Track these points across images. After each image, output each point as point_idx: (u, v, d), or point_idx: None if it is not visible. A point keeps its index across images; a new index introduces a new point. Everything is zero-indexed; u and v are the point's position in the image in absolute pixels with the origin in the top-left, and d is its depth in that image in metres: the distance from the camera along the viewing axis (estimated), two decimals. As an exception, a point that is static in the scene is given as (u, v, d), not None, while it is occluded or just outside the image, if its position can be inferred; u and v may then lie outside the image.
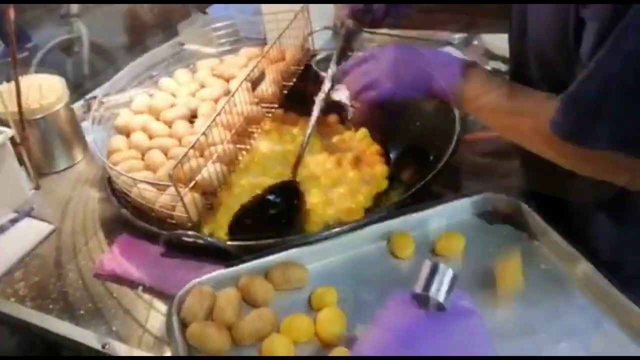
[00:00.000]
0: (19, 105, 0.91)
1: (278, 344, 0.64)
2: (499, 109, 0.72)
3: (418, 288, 0.48)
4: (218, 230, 0.84)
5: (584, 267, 0.71)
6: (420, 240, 0.79)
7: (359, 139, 1.05)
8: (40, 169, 1.01)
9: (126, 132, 1.02)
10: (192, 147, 0.82)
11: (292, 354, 0.64)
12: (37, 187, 0.99)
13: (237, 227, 0.81)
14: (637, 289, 0.74)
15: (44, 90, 1.00)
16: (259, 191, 0.88)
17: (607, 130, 0.58)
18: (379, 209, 0.85)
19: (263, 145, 1.02)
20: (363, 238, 0.78)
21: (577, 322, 0.67)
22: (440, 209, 0.82)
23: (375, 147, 1.02)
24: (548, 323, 0.67)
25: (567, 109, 0.61)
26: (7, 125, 0.93)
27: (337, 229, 0.79)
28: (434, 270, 0.47)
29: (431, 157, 0.95)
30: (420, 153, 0.98)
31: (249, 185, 0.92)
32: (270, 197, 0.86)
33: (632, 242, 0.75)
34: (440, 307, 0.47)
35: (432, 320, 0.47)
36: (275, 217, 0.84)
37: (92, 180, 1.02)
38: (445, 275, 0.48)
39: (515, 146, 0.77)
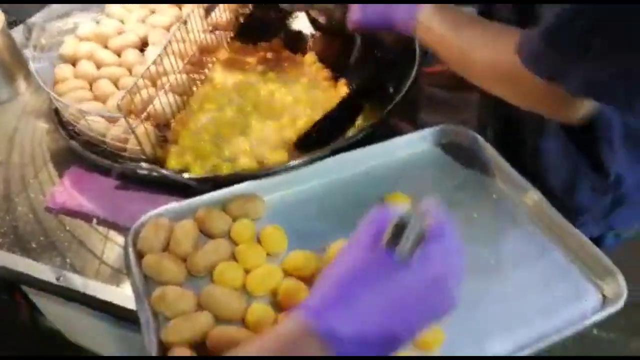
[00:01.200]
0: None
1: (229, 270, 0.65)
2: (451, 40, 0.70)
3: (384, 241, 0.45)
4: (173, 162, 0.82)
5: (533, 196, 0.73)
6: (380, 174, 0.80)
7: (309, 64, 1.02)
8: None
9: (72, 61, 0.97)
10: (142, 76, 0.78)
11: (241, 282, 0.65)
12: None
13: (304, 141, 0.82)
14: (581, 217, 0.78)
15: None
16: (211, 124, 0.86)
17: (583, 71, 0.55)
18: (337, 141, 0.84)
19: (218, 75, 0.99)
20: (320, 171, 0.78)
21: (525, 250, 0.70)
22: (398, 141, 0.82)
23: (326, 73, 1.00)
24: (497, 251, 0.70)
25: (550, 43, 0.56)
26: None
27: (293, 162, 0.79)
28: (401, 226, 0.44)
29: (390, 90, 0.94)
30: (379, 86, 0.97)
31: (204, 117, 0.90)
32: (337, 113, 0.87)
33: (578, 170, 0.77)
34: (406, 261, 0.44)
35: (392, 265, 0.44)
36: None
37: (38, 111, 0.97)
38: (413, 231, 0.44)
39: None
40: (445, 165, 0.82)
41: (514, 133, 0.81)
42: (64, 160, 0.85)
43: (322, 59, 1.01)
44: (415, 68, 0.91)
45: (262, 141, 0.85)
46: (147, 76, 0.81)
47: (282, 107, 0.92)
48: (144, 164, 0.76)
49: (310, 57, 1.02)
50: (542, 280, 0.67)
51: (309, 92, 0.96)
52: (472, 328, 0.62)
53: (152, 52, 0.97)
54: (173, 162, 0.81)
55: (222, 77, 0.98)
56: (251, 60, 1.04)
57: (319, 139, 0.82)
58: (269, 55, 1.05)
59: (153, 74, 0.83)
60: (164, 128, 0.85)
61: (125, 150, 0.80)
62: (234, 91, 0.95)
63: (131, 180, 0.79)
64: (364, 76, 0.97)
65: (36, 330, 1.44)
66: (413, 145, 0.83)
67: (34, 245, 0.73)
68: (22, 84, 1.01)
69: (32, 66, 0.87)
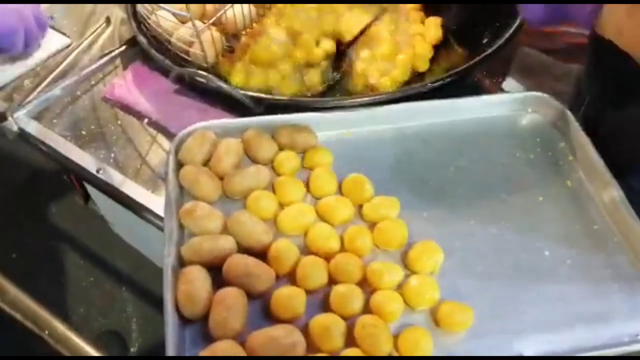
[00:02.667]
0: None
1: (263, 199, 0.62)
2: None
3: None
4: (235, 77, 0.78)
5: (613, 193, 0.64)
6: (447, 132, 0.73)
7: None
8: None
9: None
10: None
11: (273, 214, 0.62)
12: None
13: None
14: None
15: None
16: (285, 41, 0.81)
17: None
18: (408, 87, 0.77)
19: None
20: (381, 116, 0.72)
21: (587, 248, 0.62)
22: (477, 100, 0.75)
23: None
24: (556, 243, 0.63)
25: None
26: None
27: (351, 100, 0.73)
28: None
29: (484, 40, 0.84)
30: (473, 31, 0.87)
31: (277, 33, 0.85)
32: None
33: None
34: None
35: None
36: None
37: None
38: None
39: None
40: (521, 136, 0.74)
41: (612, 123, 0.71)
42: (132, 55, 0.83)
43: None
44: (518, 22, 0.81)
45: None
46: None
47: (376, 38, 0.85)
48: (201, 72, 0.73)
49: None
50: (598, 286, 0.60)
51: (396, 25, 0.88)
52: (504, 320, 0.57)
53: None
54: (237, 79, 0.77)
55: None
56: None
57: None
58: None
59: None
60: (232, 39, 0.81)
61: (188, 53, 0.77)
62: (314, 10, 0.89)
63: (189, 88, 0.77)
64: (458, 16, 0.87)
65: (90, 216, 1.53)
66: (492, 107, 0.75)
67: (84, 132, 0.73)
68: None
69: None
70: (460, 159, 0.71)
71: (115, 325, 1.51)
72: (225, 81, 0.75)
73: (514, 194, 0.68)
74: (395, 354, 0.53)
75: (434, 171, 0.69)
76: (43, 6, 0.88)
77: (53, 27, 0.87)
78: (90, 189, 1.15)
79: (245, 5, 0.80)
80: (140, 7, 0.81)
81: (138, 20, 0.84)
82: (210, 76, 0.72)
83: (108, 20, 0.88)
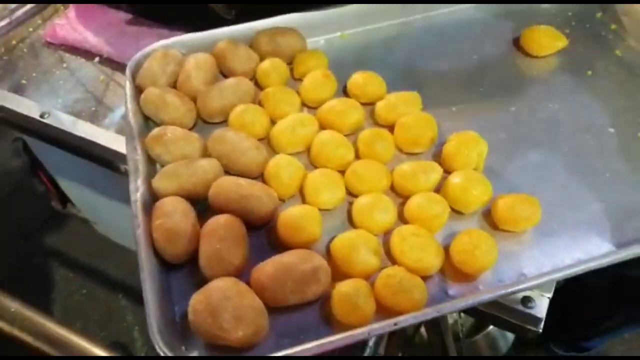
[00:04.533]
0: None
1: (250, 113, 0.49)
2: None
3: None
4: None
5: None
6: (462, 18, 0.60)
7: None
8: None
9: None
10: None
11: (264, 131, 0.49)
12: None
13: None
14: None
15: None
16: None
17: None
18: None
19: None
20: (381, 10, 0.59)
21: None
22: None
23: None
24: (618, 117, 0.50)
25: None
26: None
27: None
28: None
29: None
30: None
31: None
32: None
33: None
34: None
35: None
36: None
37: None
38: None
39: None
40: (549, 13, 0.61)
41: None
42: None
43: None
44: None
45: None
46: None
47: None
48: None
49: None
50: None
51: None
52: (575, 211, 0.44)
53: None
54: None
55: None
56: None
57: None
58: None
59: None
60: None
61: None
62: None
63: (143, 12, 0.63)
64: None
65: (73, 224, 1.40)
66: None
67: (23, 82, 0.60)
68: None
69: None
70: (483, 46, 0.58)
71: (116, 337, 1.37)
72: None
73: (556, 73, 0.55)
74: (447, 269, 0.40)
75: (454, 62, 0.57)
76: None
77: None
78: (65, 185, 1.02)
79: None
80: None
81: None
82: None
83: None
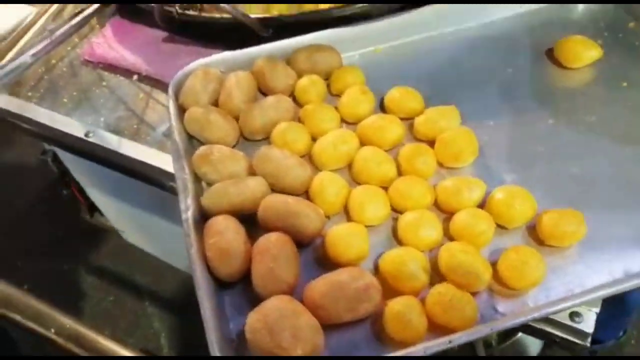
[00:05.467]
0: None
1: (292, 131, 0.50)
2: None
3: None
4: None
5: None
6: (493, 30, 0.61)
7: None
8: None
9: None
10: None
11: (306, 147, 0.50)
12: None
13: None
14: None
15: None
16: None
17: None
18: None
19: None
20: (414, 24, 0.60)
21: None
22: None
23: None
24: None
25: None
26: None
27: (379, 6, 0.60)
28: None
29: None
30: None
31: None
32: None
33: None
34: None
35: None
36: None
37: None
38: None
39: None
40: (581, 24, 0.61)
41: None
42: (109, 13, 0.71)
43: None
44: None
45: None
46: None
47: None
48: None
49: None
50: None
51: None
52: (619, 225, 0.44)
53: None
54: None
55: None
56: None
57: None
58: None
59: None
60: None
61: None
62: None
63: (180, 29, 0.65)
64: None
65: (100, 231, 1.42)
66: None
67: (65, 100, 0.61)
68: None
69: None
70: (516, 58, 0.59)
71: (143, 343, 1.39)
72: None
73: (591, 84, 0.55)
74: (494, 284, 0.41)
75: (488, 76, 0.57)
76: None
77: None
78: (94, 195, 1.04)
79: None
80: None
81: None
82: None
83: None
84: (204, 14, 0.60)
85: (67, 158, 0.93)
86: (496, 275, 0.41)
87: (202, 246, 0.42)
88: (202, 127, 0.50)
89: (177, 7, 0.61)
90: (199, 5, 0.60)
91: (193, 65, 0.55)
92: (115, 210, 1.09)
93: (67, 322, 0.55)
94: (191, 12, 0.61)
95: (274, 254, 0.40)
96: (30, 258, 1.55)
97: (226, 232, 0.42)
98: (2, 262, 1.55)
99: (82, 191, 1.13)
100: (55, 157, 1.05)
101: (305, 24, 0.57)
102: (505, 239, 0.44)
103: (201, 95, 0.53)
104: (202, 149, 0.48)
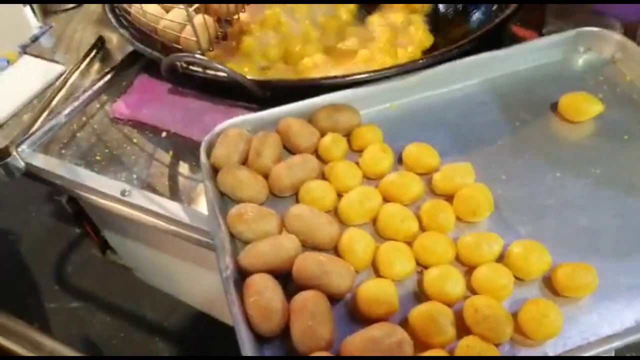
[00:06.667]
0: None
1: (319, 189, 0.54)
2: None
3: None
4: (238, 65, 0.71)
5: None
6: (504, 85, 0.65)
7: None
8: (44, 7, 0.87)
9: None
10: None
11: (332, 204, 0.53)
12: (43, 25, 0.85)
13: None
14: None
15: None
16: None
17: None
18: (444, 49, 0.69)
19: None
20: (424, 81, 0.64)
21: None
22: (522, 47, 0.67)
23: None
24: None
25: None
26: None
27: (394, 69, 0.64)
28: None
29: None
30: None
31: (275, 14, 0.78)
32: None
33: None
34: None
35: None
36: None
37: (98, 18, 0.88)
38: None
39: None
40: (581, 77, 0.66)
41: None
42: (135, 71, 0.75)
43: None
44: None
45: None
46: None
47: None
48: (196, 55, 0.64)
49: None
50: None
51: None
52: (630, 274, 0.48)
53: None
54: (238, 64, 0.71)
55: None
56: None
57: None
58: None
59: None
60: (225, 24, 0.73)
61: (178, 42, 0.69)
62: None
63: (205, 89, 0.69)
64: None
65: (110, 267, 1.44)
66: (542, 52, 0.67)
67: (98, 158, 0.65)
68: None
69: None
70: (523, 112, 0.63)
71: (154, 379, 1.40)
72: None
73: (595, 138, 0.60)
74: (516, 336, 0.44)
75: (498, 130, 0.61)
76: (28, 34, 0.81)
77: (44, 58, 0.80)
78: (109, 236, 1.06)
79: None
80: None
81: (116, 14, 0.75)
82: (207, 60, 0.63)
83: (101, 40, 0.80)
84: (208, 72, 0.64)
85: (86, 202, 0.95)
86: (517, 327, 0.44)
87: (242, 304, 0.45)
88: (234, 187, 0.54)
89: (182, 63, 0.65)
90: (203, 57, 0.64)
91: (222, 125, 0.59)
92: (130, 250, 1.12)
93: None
94: (193, 69, 0.65)
95: (311, 311, 0.43)
96: (40, 295, 1.57)
97: (265, 290, 0.45)
98: (12, 300, 1.56)
99: (96, 230, 1.15)
100: (71, 199, 1.08)
101: (301, 89, 0.62)
102: (523, 290, 0.47)
103: (232, 156, 0.56)
104: (236, 208, 0.52)
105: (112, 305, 1.53)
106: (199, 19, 0.66)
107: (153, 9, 0.70)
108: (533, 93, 0.65)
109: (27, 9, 0.85)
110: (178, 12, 0.68)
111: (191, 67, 0.65)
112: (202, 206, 0.59)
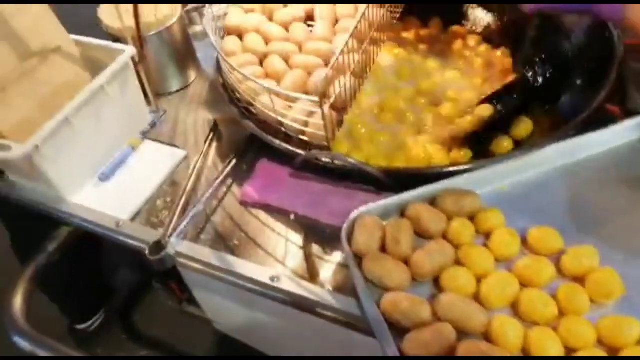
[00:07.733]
0: (137, 17, 0.83)
1: (461, 277, 0.59)
2: None
3: None
4: (340, 147, 0.76)
5: None
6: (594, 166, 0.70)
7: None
8: (155, 91, 0.94)
9: (238, 33, 0.91)
10: (332, 66, 0.72)
11: (473, 290, 0.59)
12: (156, 110, 0.92)
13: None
14: None
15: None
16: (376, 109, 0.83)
17: None
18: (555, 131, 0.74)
19: (382, 56, 0.91)
20: (533, 161, 0.70)
21: None
22: (612, 129, 0.72)
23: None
24: None
25: None
26: (122, 42, 0.86)
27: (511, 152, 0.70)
28: None
29: (579, 82, 0.83)
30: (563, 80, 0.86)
31: (369, 101, 0.85)
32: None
33: None
34: None
35: None
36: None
37: (205, 100, 0.95)
38: None
39: None
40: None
41: None
42: (246, 152, 0.82)
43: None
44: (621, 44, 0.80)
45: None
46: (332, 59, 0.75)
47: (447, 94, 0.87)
48: (337, 154, 0.71)
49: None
50: None
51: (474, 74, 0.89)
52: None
53: (320, 28, 0.90)
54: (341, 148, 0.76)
55: (385, 58, 0.92)
56: (408, 35, 1.00)
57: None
58: (425, 32, 1.00)
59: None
60: (339, 113, 0.80)
61: (304, 133, 0.76)
62: (398, 74, 0.89)
63: (326, 173, 0.75)
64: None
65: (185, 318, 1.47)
66: (630, 132, 0.72)
67: (236, 242, 0.71)
68: (192, 73, 1.00)
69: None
70: (624, 188, 0.68)
71: None
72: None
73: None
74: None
75: (603, 207, 0.66)
76: (145, 122, 0.88)
77: (163, 142, 0.86)
78: (200, 296, 1.11)
79: (349, 79, 0.78)
80: (242, 92, 0.80)
81: (238, 106, 0.81)
82: (344, 156, 0.70)
83: (216, 124, 0.87)
84: (337, 163, 0.71)
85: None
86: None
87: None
88: (382, 276, 0.59)
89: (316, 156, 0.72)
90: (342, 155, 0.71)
91: (354, 214, 0.65)
92: (217, 308, 1.15)
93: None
94: (324, 159, 0.72)
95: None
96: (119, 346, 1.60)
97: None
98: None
99: (182, 286, 1.19)
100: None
101: (425, 177, 0.68)
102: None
103: (372, 243, 0.62)
104: (389, 297, 0.57)
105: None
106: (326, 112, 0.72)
107: (279, 103, 0.76)
108: (616, 172, 0.69)
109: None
110: (304, 106, 0.74)
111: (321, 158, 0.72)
112: (343, 289, 0.64)
